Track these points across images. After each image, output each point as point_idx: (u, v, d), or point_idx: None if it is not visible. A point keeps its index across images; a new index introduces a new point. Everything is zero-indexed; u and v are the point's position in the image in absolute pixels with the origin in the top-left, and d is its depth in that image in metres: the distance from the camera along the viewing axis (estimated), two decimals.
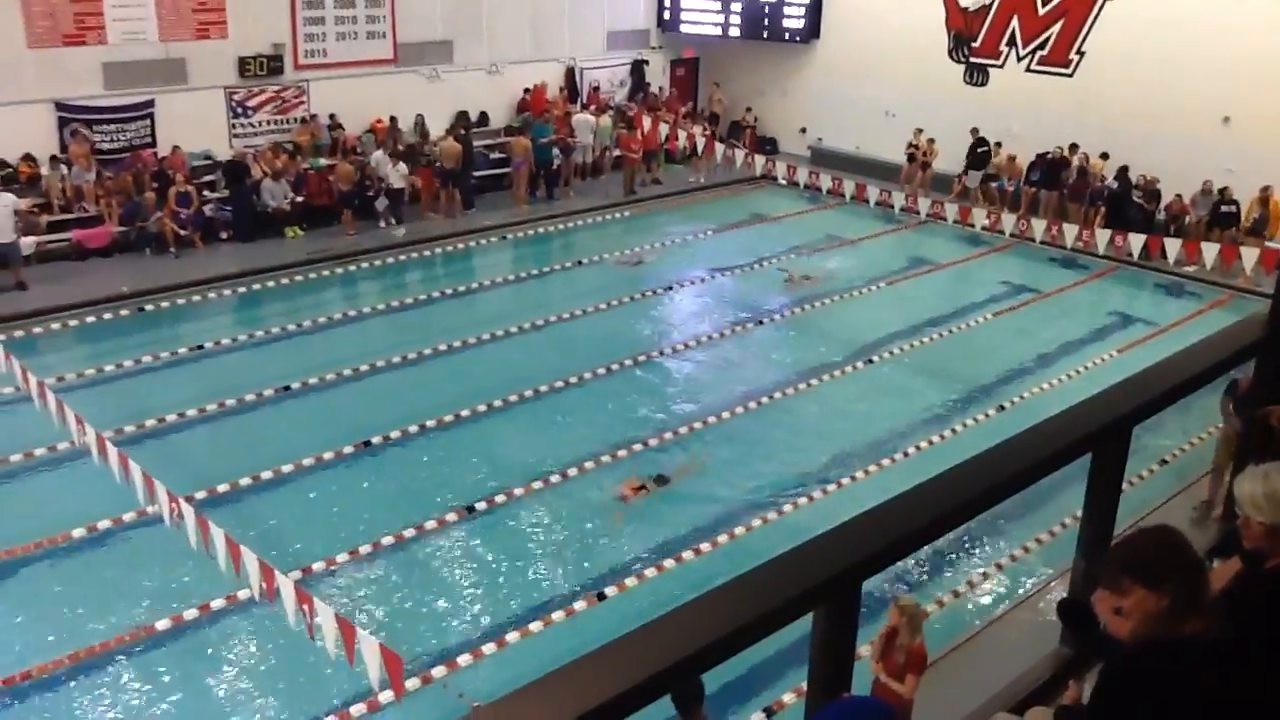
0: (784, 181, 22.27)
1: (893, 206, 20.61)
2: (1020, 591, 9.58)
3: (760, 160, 22.09)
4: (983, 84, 23.19)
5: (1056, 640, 4.82)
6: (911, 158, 23.15)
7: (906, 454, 12.55)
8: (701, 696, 6.02)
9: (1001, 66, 22.83)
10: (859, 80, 24.46)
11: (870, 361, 15.18)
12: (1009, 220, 19.58)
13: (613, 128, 23.90)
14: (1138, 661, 2.64)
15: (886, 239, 21.22)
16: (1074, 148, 21.27)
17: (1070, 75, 21.78)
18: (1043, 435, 3.93)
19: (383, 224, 19.91)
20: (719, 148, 22.18)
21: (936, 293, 18.23)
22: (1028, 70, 22.40)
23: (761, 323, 16.54)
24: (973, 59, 23.26)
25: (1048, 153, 21.49)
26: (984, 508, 3.63)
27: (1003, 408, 13.72)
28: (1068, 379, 14.56)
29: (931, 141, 22.87)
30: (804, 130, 26.22)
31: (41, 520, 10.62)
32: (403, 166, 19.86)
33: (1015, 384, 14.54)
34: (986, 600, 9.92)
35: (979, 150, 22.47)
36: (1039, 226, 19.08)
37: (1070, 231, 18.50)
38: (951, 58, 23.52)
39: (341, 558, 10.26)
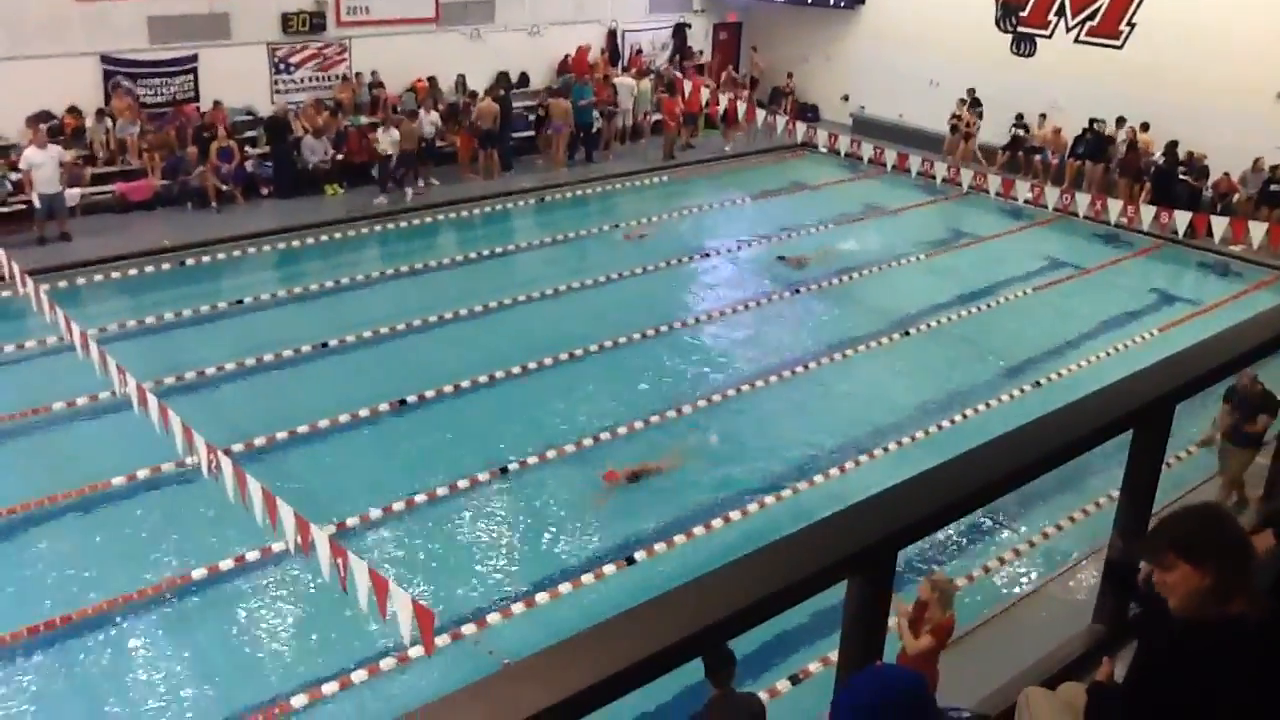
0: (825, 150, 22.08)
1: (934, 177, 20.38)
2: (1053, 569, 9.52)
3: (801, 128, 21.89)
4: (1029, 54, 22.82)
5: (1089, 618, 4.80)
6: (955, 128, 22.88)
7: (940, 427, 12.47)
8: (732, 664, 6.09)
9: (1049, 37, 22.45)
10: (904, 48, 24.13)
11: (907, 334, 15.08)
12: (1052, 194, 19.32)
13: (653, 92, 23.75)
14: (1180, 641, 2.63)
15: (927, 210, 21.01)
16: (1120, 121, 20.94)
17: (1120, 47, 21.37)
18: (1084, 411, 3.89)
19: (381, 196, 19.14)
20: (759, 114, 21.98)
21: (976, 266, 18.03)
22: (1076, 41, 22.01)
23: (798, 291, 16.45)
24: (1020, 29, 22.88)
25: (1093, 126, 21.16)
26: (1022, 482, 3.60)
27: (1039, 384, 13.60)
28: (1106, 356, 14.40)
29: (976, 111, 22.57)
30: (846, 98, 25.93)
31: (82, 468, 10.80)
32: (394, 133, 19.08)
33: (1053, 360, 14.39)
34: (1019, 576, 9.88)
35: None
36: (1083, 201, 18.82)
37: (1115, 207, 18.23)
38: (999, 27, 23.16)
39: (375, 514, 10.37)
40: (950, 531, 10.00)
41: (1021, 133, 22.38)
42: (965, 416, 12.71)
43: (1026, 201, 19.78)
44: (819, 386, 13.62)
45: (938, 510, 3.24)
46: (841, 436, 12.24)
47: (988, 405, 13.03)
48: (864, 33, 25.44)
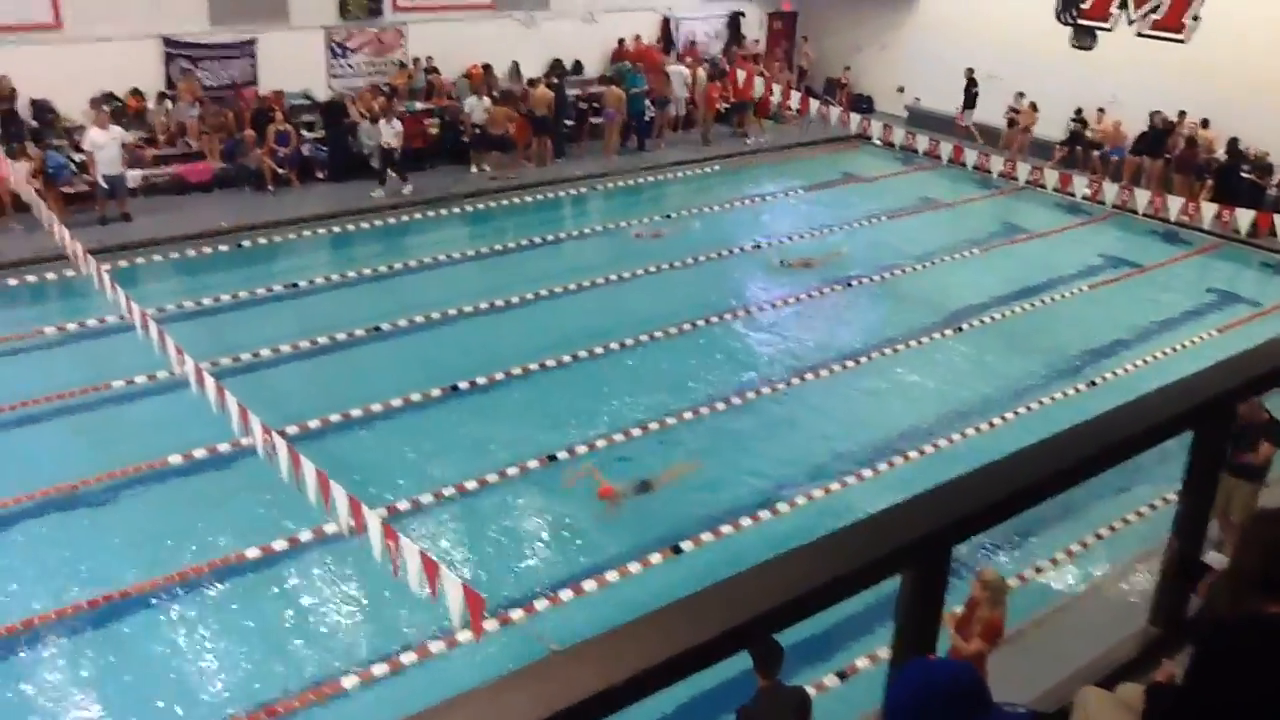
0: (879, 142, 21.91)
1: (990, 171, 20.14)
2: (1109, 569, 9.40)
3: (855, 119, 21.74)
4: (1090, 47, 22.45)
5: (1144, 619, 4.74)
6: (1012, 122, 22.60)
7: (992, 424, 12.36)
8: (780, 656, 6.09)
9: (1111, 30, 22.05)
10: (961, 40, 23.83)
11: (959, 329, 14.94)
12: (1110, 190, 19.03)
13: (707, 80, 23.70)
14: (1239, 640, 2.60)
15: (982, 204, 20.79)
16: (1181, 116, 20.56)
17: (1183, 41, 20.94)
18: (1143, 409, 3.83)
19: (378, 189, 18.75)
20: (813, 104, 21.83)
21: (1031, 262, 17.82)
22: (1138, 34, 21.60)
23: (850, 285, 16.35)
24: (1081, 21, 22.51)
25: (1154, 121, 20.81)
26: (1079, 480, 3.56)
27: (1093, 383, 13.42)
28: (1163, 356, 14.18)
29: (1033, 106, 22.28)
30: (901, 89, 25.69)
31: (140, 447, 11.00)
32: (397, 124, 18.71)
33: (1108, 359, 14.20)
34: (1074, 576, 9.78)
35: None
36: (1142, 198, 18.52)
37: (1174, 204, 17.91)
38: (1059, 19, 22.79)
39: (426, 499, 10.46)
40: (1005, 529, 9.90)
41: (1080, 127, 22.04)
42: (1017, 414, 12.58)
43: (1084, 197, 19.50)
44: (869, 382, 13.54)
45: (992, 506, 3.21)
46: (890, 432, 12.17)
47: (1040, 404, 12.89)
48: (920, 24, 25.19)
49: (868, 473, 11.29)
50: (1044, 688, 4.24)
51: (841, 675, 8.32)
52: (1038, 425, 11.43)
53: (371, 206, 18.23)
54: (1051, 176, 19.64)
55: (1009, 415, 12.56)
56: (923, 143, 20.78)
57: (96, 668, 8.34)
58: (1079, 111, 22.08)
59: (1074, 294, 16.48)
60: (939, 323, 15.05)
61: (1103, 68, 21.88)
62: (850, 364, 13.78)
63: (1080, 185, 19.32)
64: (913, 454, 11.67)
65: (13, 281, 14.87)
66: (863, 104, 25.55)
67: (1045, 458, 3.46)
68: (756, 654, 6.06)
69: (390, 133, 18.57)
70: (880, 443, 11.92)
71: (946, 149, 20.06)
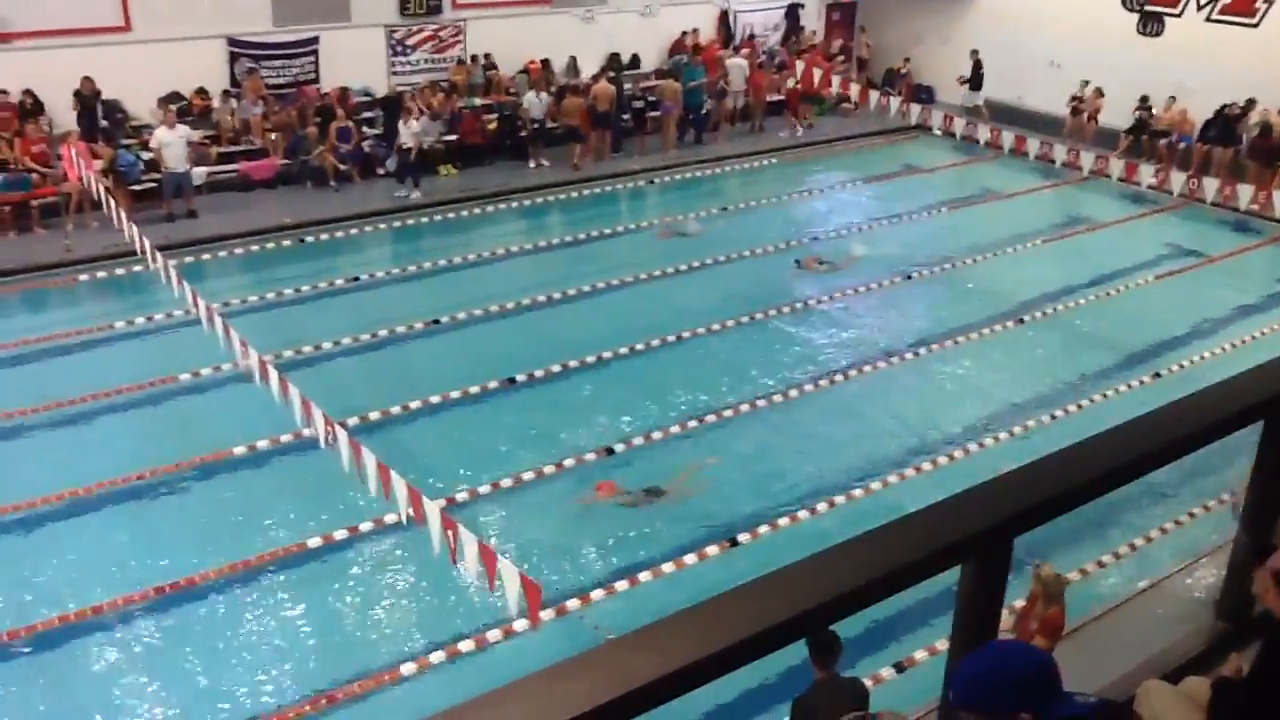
0: (939, 132, 21.66)
1: (1053, 161, 19.81)
2: (1176, 563, 9.22)
3: (916, 109, 21.48)
4: (1157, 34, 22.00)
5: (1211, 615, 4.65)
6: (1076, 111, 22.22)
7: (1054, 417, 12.18)
8: (837, 647, 6.05)
9: (1179, 16, 21.59)
10: (1023, 28, 23.48)
11: (1021, 321, 14.74)
12: (1178, 179, 18.63)
13: (767, 72, 23.58)
14: None
15: (1045, 194, 20.47)
16: (1251, 103, 20.07)
17: (1255, 25, 20.45)
18: (1212, 401, 3.76)
19: (400, 189, 18.57)
20: (872, 95, 21.63)
21: (1095, 252, 17.49)
22: (1208, 20, 21.13)
23: (910, 277, 16.19)
24: (1148, 7, 22.06)
25: (1224, 108, 20.33)
26: (1145, 471, 3.50)
27: (1159, 375, 13.16)
28: (1231, 349, 13.85)
29: (1098, 92, 21.89)
30: (962, 79, 25.33)
31: (205, 438, 11.21)
32: (414, 124, 18.53)
33: (1174, 351, 13.91)
34: (1140, 569, 9.59)
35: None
36: (1210, 187, 18.10)
37: (1245, 193, 17.48)
38: (1125, 6, 22.36)
39: (484, 489, 10.55)
40: (1070, 521, 9.73)
41: (1146, 115, 21.60)
42: (1080, 407, 12.39)
43: (1150, 187, 19.12)
44: (930, 374, 13.42)
45: (1056, 498, 3.17)
46: (952, 424, 12.05)
47: (1104, 396, 12.67)
48: (982, 12, 24.84)
49: (927, 465, 11.19)
50: (1107, 681, 4.17)
51: (899, 668, 8.25)
52: (1102, 417, 11.24)
53: (431, 201, 18.38)
54: (1116, 166, 19.27)
55: (1072, 408, 12.36)
56: (984, 133, 20.51)
57: (162, 653, 8.52)
58: (1145, 99, 21.62)
59: (1140, 285, 16.17)
60: (1001, 314, 14.85)
61: (1171, 54, 21.42)
62: (910, 356, 13.65)
63: (1146, 174, 18.95)
64: (973, 447, 11.54)
65: (84, 277, 15.23)
66: (923, 94, 25.26)
67: (1112, 449, 3.40)
68: (813, 645, 6.03)
69: (407, 133, 18.41)
70: (942, 435, 11.81)
71: (1008, 139, 19.78)
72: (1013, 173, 21.06)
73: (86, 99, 17.50)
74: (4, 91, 17.18)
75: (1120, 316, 15.08)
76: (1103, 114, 21.95)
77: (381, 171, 19.38)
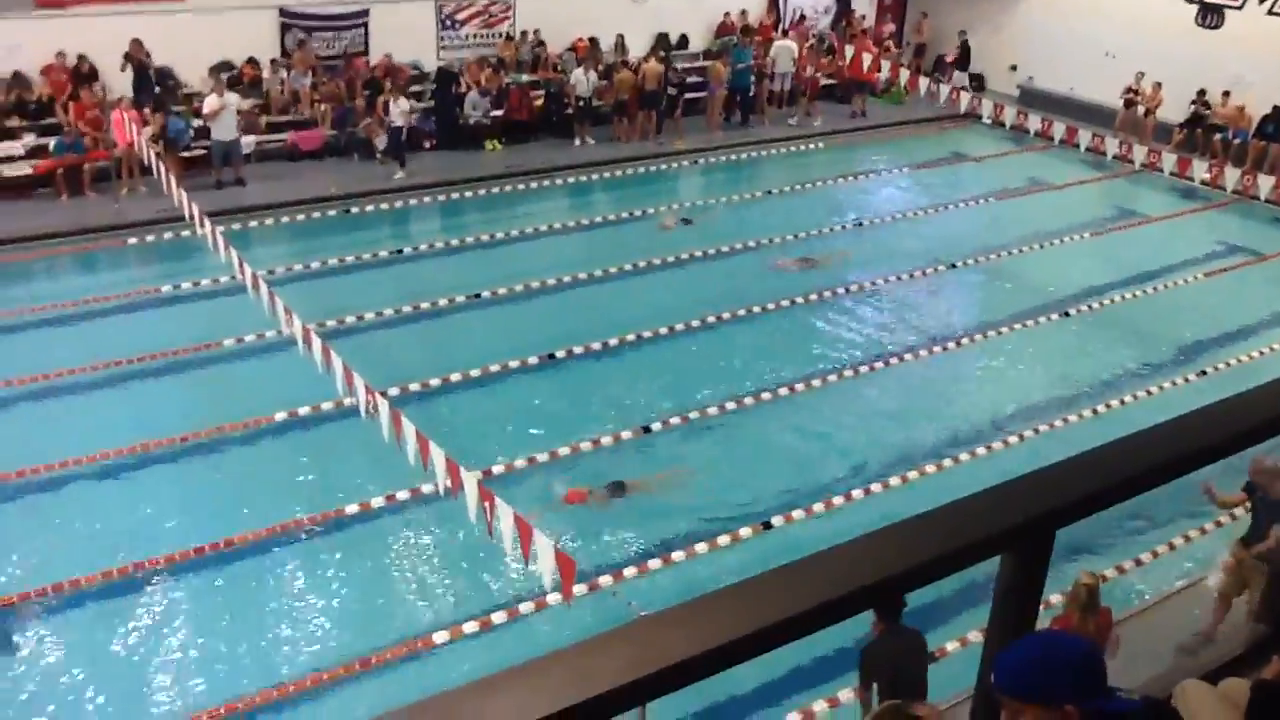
0: (989, 121, 21.38)
1: (1104, 153, 19.53)
2: (1214, 563, 9.13)
3: (965, 97, 21.24)
4: (1216, 26, 21.57)
5: (1250, 616, 4.60)
6: (1129, 103, 21.87)
7: (1096, 411, 12.08)
8: (899, 604, 6.25)
9: (1240, 8, 21.16)
10: (1078, 17, 23.12)
11: (1067, 314, 14.58)
12: (1232, 175, 18.32)
13: (816, 55, 23.40)
14: None
15: (1094, 187, 20.20)
16: None
17: None
18: (1262, 399, 3.70)
19: (400, 172, 18.11)
20: (923, 82, 21.41)
21: (1144, 247, 17.26)
22: (1270, 13, 20.70)
23: (954, 266, 16.05)
24: None
25: None
26: (1192, 468, 3.44)
27: (1204, 373, 12.99)
28: None
29: (1157, 87, 21.52)
30: (1014, 68, 25.03)
31: (248, 402, 11.37)
32: (404, 103, 18.29)
33: (1222, 349, 13.72)
34: (1179, 568, 9.51)
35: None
36: (1265, 184, 17.78)
37: None
38: None
39: (519, 463, 10.61)
40: (1110, 517, 9.66)
41: (1202, 109, 21.24)
42: (1123, 402, 12.27)
43: (1203, 182, 18.85)
44: (974, 364, 13.34)
45: (1100, 491, 3.13)
46: (993, 415, 11.98)
47: (1148, 392, 12.53)
48: (1036, 1, 24.46)
49: (965, 456, 11.13)
50: (1144, 679, 4.14)
51: (931, 657, 8.22)
52: (1146, 414, 11.12)
53: (476, 176, 18.44)
54: (1169, 160, 18.99)
55: (1115, 403, 12.24)
56: (1034, 122, 20.26)
57: (202, 612, 8.68)
58: (1202, 93, 21.25)
59: (1189, 281, 15.93)
60: (1046, 306, 14.71)
61: (1230, 47, 21.02)
62: (953, 345, 13.56)
63: (1200, 169, 18.65)
64: (1013, 439, 11.46)
65: (133, 240, 15.44)
66: (973, 82, 24.97)
67: (1158, 445, 3.36)
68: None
69: (398, 112, 18.13)
70: (982, 426, 11.75)
71: (1059, 129, 19.51)
72: (1063, 164, 20.80)
73: (137, 62, 17.67)
74: (61, 54, 17.41)
75: (1168, 312, 14.89)
76: (1159, 108, 21.59)
77: (428, 145, 19.43)
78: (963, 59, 24.36)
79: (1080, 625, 6.60)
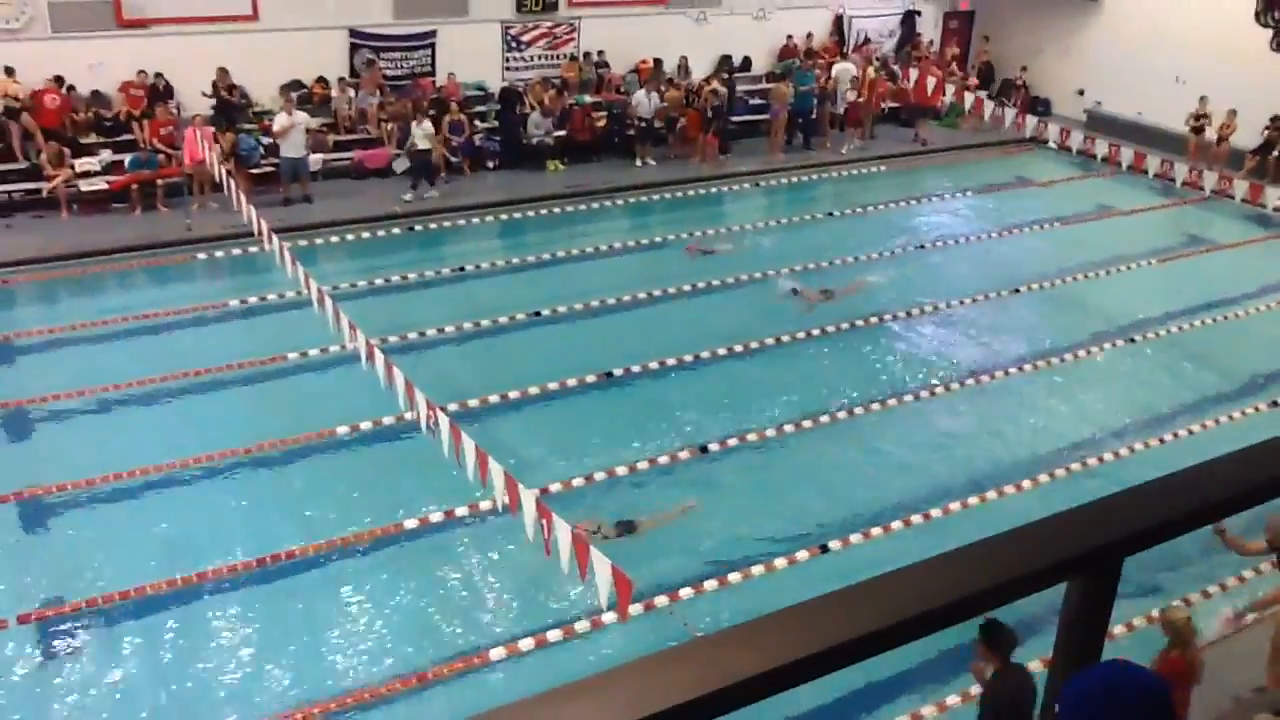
0: (1055, 146, 21.17)
1: (1173, 179, 19.20)
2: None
3: (1031, 121, 21.02)
4: None
5: None
6: (1197, 129, 21.48)
7: (1163, 440, 11.85)
8: (1011, 641, 6.35)
9: None
10: (1147, 42, 22.78)
11: (1131, 341, 14.34)
12: None
13: (878, 79, 23.32)
14: None
15: (1162, 213, 19.87)
16: None
17: None
18: None
19: (409, 193, 17.95)
20: (988, 106, 21.22)
21: (1213, 275, 16.91)
22: None
23: (1018, 291, 15.86)
24: None
25: None
26: (1266, 499, 3.38)
27: (1276, 403, 12.69)
28: None
29: (1232, 114, 21.10)
30: (1081, 92, 24.73)
31: (311, 416, 11.54)
32: (428, 126, 18.08)
33: None
34: (1251, 600, 9.27)
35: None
36: None
37: None
38: (1258, 21, 21.46)
39: (577, 481, 10.64)
40: (1180, 548, 9.46)
41: (1276, 136, 20.81)
42: (1191, 432, 12.02)
43: (1275, 209, 18.43)
44: (1033, 390, 13.15)
45: (1170, 520, 3.07)
46: (1056, 443, 11.81)
47: (1216, 421, 12.27)
48: (1105, 24, 24.18)
49: (1027, 483, 10.97)
50: (1217, 713, 4.05)
51: None
52: (1215, 443, 10.89)
53: (537, 196, 18.60)
54: (1241, 186, 18.62)
55: (1182, 432, 12.01)
56: (1102, 148, 20.00)
57: (264, 623, 8.79)
58: (1276, 119, 20.82)
59: (1260, 310, 15.58)
60: (1111, 333, 14.48)
61: None
62: (1015, 371, 13.40)
63: (1272, 196, 18.26)
64: (1075, 466, 11.29)
65: (203, 255, 15.77)
66: (1039, 107, 24.73)
67: (1228, 474, 3.29)
68: (989, 636, 6.27)
69: (421, 135, 18.01)
70: (1045, 453, 11.60)
71: (1127, 155, 19.23)
72: (1130, 190, 20.49)
73: (221, 91, 18.16)
74: (142, 72, 17.89)
75: (1237, 341, 14.59)
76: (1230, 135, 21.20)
77: (491, 165, 19.68)
78: (985, 77, 24.48)
79: (1183, 662, 6.43)
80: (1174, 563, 9.42)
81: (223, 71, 18.23)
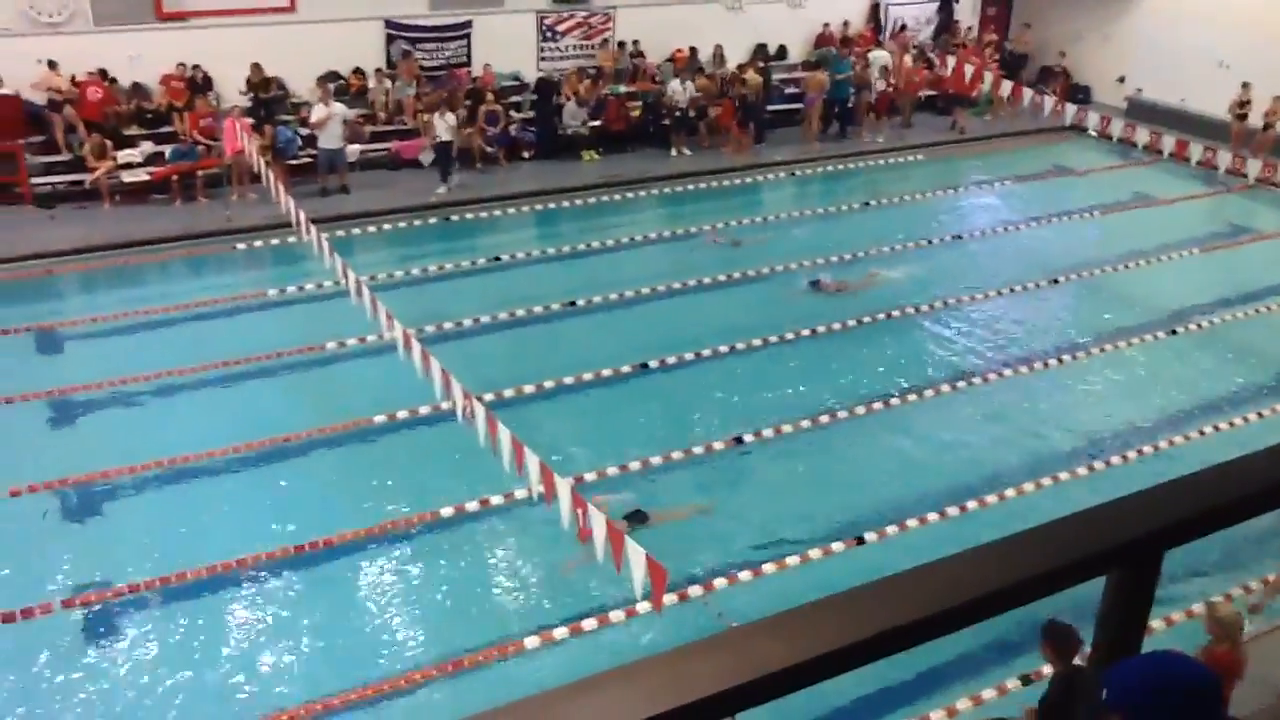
0: (1095, 134, 20.87)
1: (1216, 167, 18.91)
2: None
3: (1071, 109, 20.76)
4: None
5: None
6: (1241, 116, 21.14)
7: (1202, 433, 11.70)
8: (1076, 642, 6.21)
9: None
10: (1190, 26, 22.41)
11: (1173, 333, 14.16)
12: None
13: (914, 66, 23.14)
14: None
15: (1205, 202, 19.60)
16: None
17: None
18: None
19: (443, 185, 17.99)
20: (1026, 93, 20.96)
21: (1256, 265, 16.64)
22: None
23: (1056, 281, 15.70)
24: None
25: None
26: None
27: None
28: None
29: (1278, 100, 20.74)
30: (1122, 79, 24.40)
31: (348, 404, 11.65)
32: (450, 118, 17.94)
33: None
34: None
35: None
36: None
37: None
38: None
39: (612, 471, 10.66)
40: (1221, 541, 9.36)
41: None
42: (1232, 425, 11.86)
43: None
44: (1072, 382, 13.03)
45: (1212, 511, 3.04)
46: (1094, 434, 11.70)
47: (1259, 415, 12.10)
48: (1146, 9, 23.84)
49: (1064, 476, 10.87)
50: (1258, 707, 4.01)
51: (1025, 680, 8.05)
52: (1258, 436, 10.80)
53: (573, 186, 18.62)
54: None
55: (1223, 424, 11.85)
56: (1143, 135, 19.72)
57: (301, 609, 8.89)
58: None
59: None
60: (1151, 324, 14.31)
61: None
62: (1054, 362, 13.28)
63: None
64: (1114, 459, 11.17)
65: (242, 245, 15.93)
66: (1079, 94, 24.42)
67: (1272, 466, 3.25)
68: (1050, 639, 6.21)
69: (444, 126, 17.94)
70: (1082, 445, 11.49)
71: (1169, 142, 18.94)
72: (1171, 178, 20.20)
73: (257, 85, 18.32)
74: (181, 65, 18.08)
75: None
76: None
77: (526, 156, 19.70)
78: (1011, 65, 24.08)
79: (1230, 658, 6.36)
80: (1214, 556, 9.33)
81: (256, 68, 18.36)
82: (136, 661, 8.32)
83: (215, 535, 9.61)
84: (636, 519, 9.83)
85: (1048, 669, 7.99)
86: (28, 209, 16.71)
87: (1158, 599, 3.07)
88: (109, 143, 17.08)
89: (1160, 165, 20.34)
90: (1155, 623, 7.27)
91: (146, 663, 8.30)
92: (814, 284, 15.26)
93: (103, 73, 17.68)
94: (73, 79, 17.41)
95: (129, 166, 17.17)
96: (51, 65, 17.27)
